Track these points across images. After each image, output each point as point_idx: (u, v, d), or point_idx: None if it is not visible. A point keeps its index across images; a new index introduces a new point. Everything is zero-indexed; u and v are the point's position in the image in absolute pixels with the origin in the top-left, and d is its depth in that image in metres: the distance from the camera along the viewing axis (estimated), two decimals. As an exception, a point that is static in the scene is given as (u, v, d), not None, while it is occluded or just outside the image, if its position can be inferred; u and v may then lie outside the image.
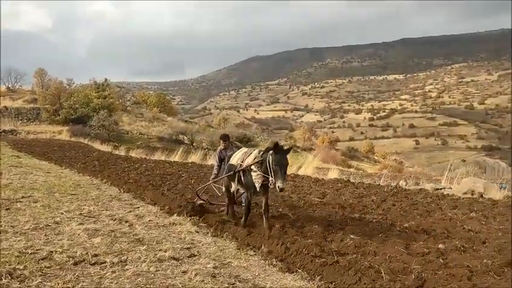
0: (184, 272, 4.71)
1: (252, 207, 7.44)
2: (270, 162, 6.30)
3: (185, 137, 46.10)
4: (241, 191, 7.68)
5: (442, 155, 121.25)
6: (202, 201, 8.50)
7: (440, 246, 6.10)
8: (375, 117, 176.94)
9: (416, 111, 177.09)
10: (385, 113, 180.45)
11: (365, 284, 4.43)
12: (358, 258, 5.31)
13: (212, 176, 8.70)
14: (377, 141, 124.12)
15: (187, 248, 5.71)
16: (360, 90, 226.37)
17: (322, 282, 4.57)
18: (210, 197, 9.12)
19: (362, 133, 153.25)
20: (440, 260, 5.29)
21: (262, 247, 5.78)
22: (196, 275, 4.62)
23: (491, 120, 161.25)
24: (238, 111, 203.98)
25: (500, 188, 11.95)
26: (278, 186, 6.16)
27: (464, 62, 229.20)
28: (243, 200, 8.02)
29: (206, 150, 33.68)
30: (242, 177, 7.05)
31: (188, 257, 5.32)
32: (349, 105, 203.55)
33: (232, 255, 5.54)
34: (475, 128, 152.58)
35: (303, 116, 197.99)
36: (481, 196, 11.27)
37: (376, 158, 69.90)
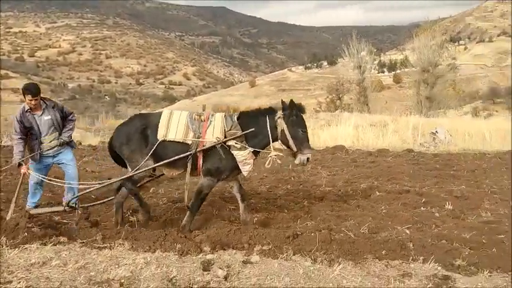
0: None
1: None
2: (289, 129, 4.85)
3: None
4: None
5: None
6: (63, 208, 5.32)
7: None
8: None
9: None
10: None
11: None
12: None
13: (17, 157, 5.48)
14: None
15: None
16: None
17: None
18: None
19: None
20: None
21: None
22: None
23: (42, 72, 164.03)
24: None
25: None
26: (308, 159, 4.91)
27: (10, 11, 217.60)
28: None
29: None
30: (207, 160, 4.93)
31: None
32: None
33: None
34: (28, 80, 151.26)
35: None
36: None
37: None
